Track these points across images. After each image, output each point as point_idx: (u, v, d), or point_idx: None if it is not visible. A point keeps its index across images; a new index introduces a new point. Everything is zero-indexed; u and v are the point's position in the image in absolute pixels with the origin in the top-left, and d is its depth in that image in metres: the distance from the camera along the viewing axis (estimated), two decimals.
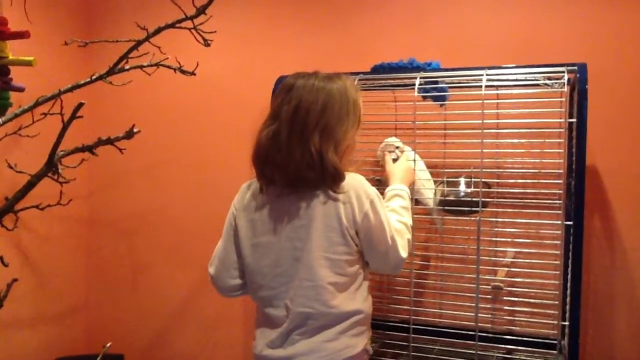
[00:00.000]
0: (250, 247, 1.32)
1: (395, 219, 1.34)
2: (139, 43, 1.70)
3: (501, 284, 1.65)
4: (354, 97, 1.30)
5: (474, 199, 1.65)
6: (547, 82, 1.58)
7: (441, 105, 1.74)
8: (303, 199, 1.25)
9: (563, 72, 1.54)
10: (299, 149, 1.22)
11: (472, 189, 1.68)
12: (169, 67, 1.81)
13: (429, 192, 1.71)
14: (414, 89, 1.65)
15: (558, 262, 1.58)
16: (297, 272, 1.24)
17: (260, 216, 1.30)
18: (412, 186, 1.57)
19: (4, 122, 1.71)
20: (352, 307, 1.26)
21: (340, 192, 1.23)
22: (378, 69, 1.81)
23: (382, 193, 1.45)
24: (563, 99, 1.54)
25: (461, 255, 1.77)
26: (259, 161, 1.28)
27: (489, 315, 1.80)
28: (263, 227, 1.30)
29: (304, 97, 1.24)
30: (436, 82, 1.69)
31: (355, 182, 1.25)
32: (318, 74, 1.30)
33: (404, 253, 1.29)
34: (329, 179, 1.22)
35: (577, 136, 1.49)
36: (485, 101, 1.57)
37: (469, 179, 1.72)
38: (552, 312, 1.62)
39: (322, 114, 1.23)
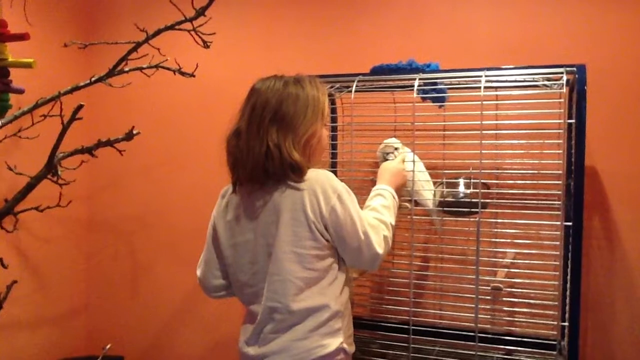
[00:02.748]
0: (230, 248, 1.35)
1: (373, 216, 1.34)
2: (139, 45, 1.71)
3: (501, 285, 1.65)
4: (313, 93, 1.31)
5: (473, 200, 1.65)
6: (546, 83, 1.58)
7: (440, 106, 1.74)
8: (270, 195, 1.26)
9: (562, 73, 1.54)
10: (258, 142, 1.25)
11: (472, 190, 1.68)
12: (168, 68, 1.82)
13: (428, 193, 1.71)
14: (413, 90, 1.65)
15: (557, 263, 1.58)
16: (269, 267, 1.26)
17: (235, 217, 1.33)
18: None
19: (4, 124, 1.71)
20: (320, 302, 1.26)
21: (303, 184, 1.24)
22: (377, 71, 1.81)
23: None
24: (562, 100, 1.54)
25: (461, 256, 1.77)
26: (230, 162, 1.32)
27: (489, 316, 1.80)
28: (239, 227, 1.32)
29: (262, 95, 1.29)
30: (435, 84, 1.69)
31: (322, 177, 1.26)
32: (281, 76, 1.33)
33: (379, 249, 1.28)
34: (289, 171, 1.24)
35: (576, 137, 1.49)
36: (484, 102, 1.57)
37: (468, 180, 1.72)
38: (552, 312, 1.62)
39: (278, 108, 1.27)
